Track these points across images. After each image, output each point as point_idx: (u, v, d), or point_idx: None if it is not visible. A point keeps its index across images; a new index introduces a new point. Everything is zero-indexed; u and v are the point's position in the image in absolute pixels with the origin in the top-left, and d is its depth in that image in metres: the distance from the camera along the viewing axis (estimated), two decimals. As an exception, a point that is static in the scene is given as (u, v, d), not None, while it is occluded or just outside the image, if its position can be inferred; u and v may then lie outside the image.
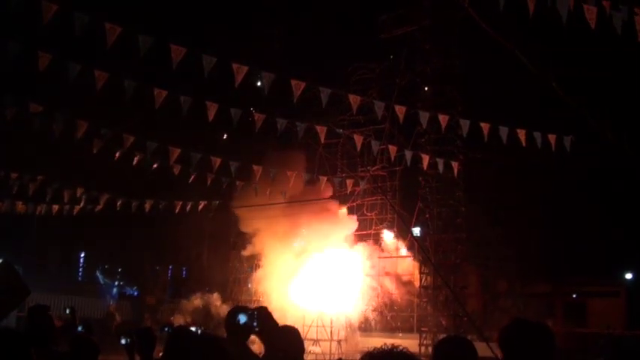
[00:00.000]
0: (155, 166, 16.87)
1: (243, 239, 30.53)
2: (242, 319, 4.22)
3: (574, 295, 31.08)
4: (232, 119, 12.92)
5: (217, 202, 25.41)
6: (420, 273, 26.28)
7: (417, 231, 26.43)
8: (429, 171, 24.37)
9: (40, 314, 6.75)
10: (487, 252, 27.77)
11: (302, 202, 24.40)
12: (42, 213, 20.46)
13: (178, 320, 29.22)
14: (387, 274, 27.97)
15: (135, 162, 16.27)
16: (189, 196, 22.23)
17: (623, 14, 9.38)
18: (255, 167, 17.09)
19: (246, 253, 29.92)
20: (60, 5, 9.89)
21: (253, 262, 29.94)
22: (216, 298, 29.46)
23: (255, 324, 4.21)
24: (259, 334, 4.22)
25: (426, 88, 26.48)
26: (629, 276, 32.09)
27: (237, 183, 18.51)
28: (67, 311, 8.89)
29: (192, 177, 17.54)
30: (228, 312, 4.43)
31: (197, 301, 29.48)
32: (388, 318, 27.81)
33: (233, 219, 29.58)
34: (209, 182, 17.76)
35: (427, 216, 26.14)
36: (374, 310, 27.69)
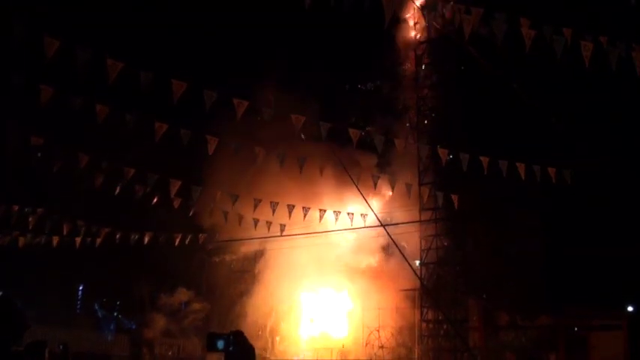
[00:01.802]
0: (156, 200, 16.92)
1: (242, 271, 30.53)
2: (220, 344, 4.29)
3: (575, 329, 30.82)
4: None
5: (217, 234, 25.43)
6: (421, 307, 26.07)
7: (417, 263, 26.27)
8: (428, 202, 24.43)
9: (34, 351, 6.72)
10: (488, 285, 27.61)
11: (301, 235, 24.36)
12: (41, 245, 20.44)
13: (159, 320, 29.12)
14: (387, 308, 27.76)
15: (135, 195, 16.32)
16: (189, 228, 22.23)
17: (619, 50, 9.51)
18: (254, 198, 17.18)
19: (245, 285, 29.85)
20: (62, 41, 10.01)
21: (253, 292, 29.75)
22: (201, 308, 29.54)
23: (231, 348, 4.27)
24: None
25: (426, 122, 26.61)
26: (630, 308, 31.89)
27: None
28: (61, 347, 8.86)
29: (192, 210, 17.59)
30: (207, 338, 4.50)
31: (183, 295, 29.45)
32: (389, 353, 27.52)
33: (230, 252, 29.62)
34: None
35: (427, 248, 26.04)
36: (375, 345, 27.42)
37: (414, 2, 26.11)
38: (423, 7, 25.60)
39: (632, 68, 9.49)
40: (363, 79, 32.17)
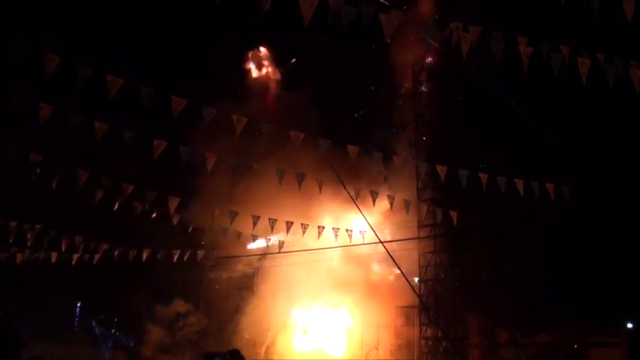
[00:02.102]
0: (154, 216, 16.92)
1: (239, 287, 30.47)
2: None
3: (575, 346, 30.67)
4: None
5: (215, 250, 25.35)
6: (420, 324, 25.97)
7: (416, 280, 26.19)
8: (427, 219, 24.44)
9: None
10: (487, 302, 27.50)
11: (300, 252, 24.31)
12: (40, 261, 20.36)
13: (156, 332, 28.97)
14: (386, 325, 27.65)
15: (134, 211, 16.31)
16: (187, 244, 22.18)
17: (617, 66, 9.57)
18: (253, 215, 17.16)
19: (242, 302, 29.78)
20: (62, 57, 10.04)
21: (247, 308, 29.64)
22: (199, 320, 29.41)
23: None
24: None
25: (424, 138, 26.68)
26: (629, 325, 31.77)
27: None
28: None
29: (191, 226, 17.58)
30: (204, 358, 4.50)
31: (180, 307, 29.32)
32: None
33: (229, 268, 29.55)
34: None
35: (426, 265, 25.99)
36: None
37: (412, 20, 26.27)
38: (421, 26, 25.75)
39: (629, 85, 9.55)
40: (360, 103, 32.18)
